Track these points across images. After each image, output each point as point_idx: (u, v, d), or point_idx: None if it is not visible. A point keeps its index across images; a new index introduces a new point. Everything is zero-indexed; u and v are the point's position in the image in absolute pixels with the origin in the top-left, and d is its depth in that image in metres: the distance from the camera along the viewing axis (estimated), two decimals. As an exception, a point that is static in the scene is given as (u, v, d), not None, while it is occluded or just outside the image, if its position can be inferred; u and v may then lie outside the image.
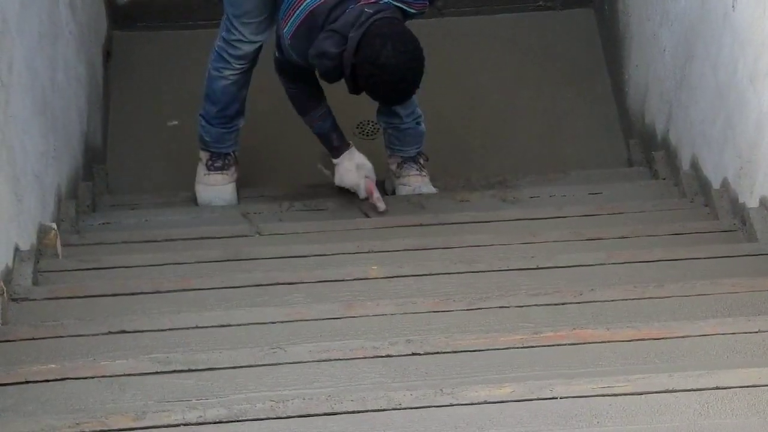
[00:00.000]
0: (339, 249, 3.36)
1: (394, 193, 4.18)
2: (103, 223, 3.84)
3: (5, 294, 2.74)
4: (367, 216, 3.90)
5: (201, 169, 4.20)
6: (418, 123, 4.12)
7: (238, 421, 2.14)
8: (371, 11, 3.36)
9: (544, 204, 3.93)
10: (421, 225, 3.69)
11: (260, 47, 3.93)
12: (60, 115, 3.83)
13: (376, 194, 3.90)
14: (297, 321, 2.75)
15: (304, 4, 3.44)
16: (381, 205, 3.88)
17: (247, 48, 3.90)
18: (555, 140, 4.78)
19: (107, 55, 5.01)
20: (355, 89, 3.49)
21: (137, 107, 4.91)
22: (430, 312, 2.82)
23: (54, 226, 3.35)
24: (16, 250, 3.04)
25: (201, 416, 2.12)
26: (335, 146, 3.90)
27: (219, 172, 4.17)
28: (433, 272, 3.11)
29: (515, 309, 2.83)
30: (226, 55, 3.93)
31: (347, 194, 4.12)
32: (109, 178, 4.51)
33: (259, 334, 2.68)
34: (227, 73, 3.97)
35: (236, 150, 4.21)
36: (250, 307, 2.89)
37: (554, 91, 4.96)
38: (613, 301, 2.86)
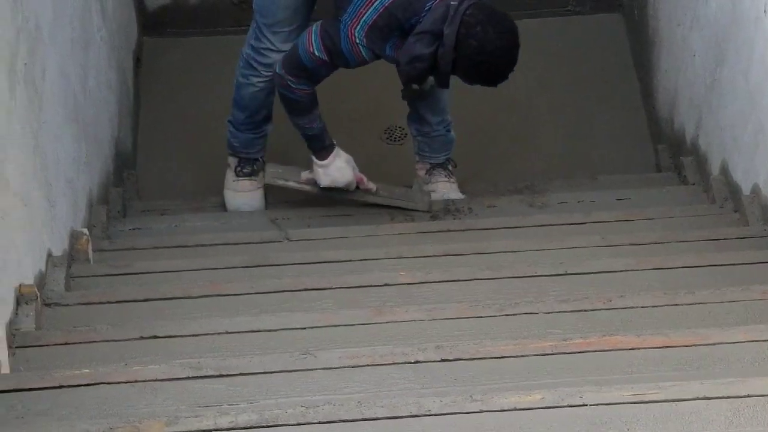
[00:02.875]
0: (367, 255, 3.37)
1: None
2: (134, 229, 3.87)
3: (39, 299, 2.77)
4: (412, 219, 3.90)
5: (230, 175, 4.22)
6: (448, 130, 4.13)
7: (269, 426, 2.15)
8: (456, 3, 3.37)
9: (573, 209, 3.92)
10: (449, 231, 3.70)
11: None
12: (91, 121, 3.86)
13: (365, 179, 3.92)
14: (326, 327, 2.77)
15: (378, 1, 3.44)
16: (372, 186, 3.92)
17: (276, 56, 3.90)
18: (583, 145, 4.78)
19: (137, 60, 5.04)
20: (446, 83, 3.49)
21: (167, 112, 4.94)
22: (459, 318, 2.82)
23: (86, 231, 3.38)
24: (49, 255, 3.06)
25: (232, 421, 2.14)
26: (327, 145, 3.87)
27: (247, 177, 4.18)
28: (461, 278, 3.11)
29: (544, 315, 2.83)
30: (254, 63, 3.95)
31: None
32: (140, 184, 4.54)
33: (288, 339, 2.70)
34: (255, 80, 3.98)
35: (264, 156, 4.23)
36: (279, 313, 2.90)
37: (582, 95, 4.95)
38: (642, 307, 2.85)
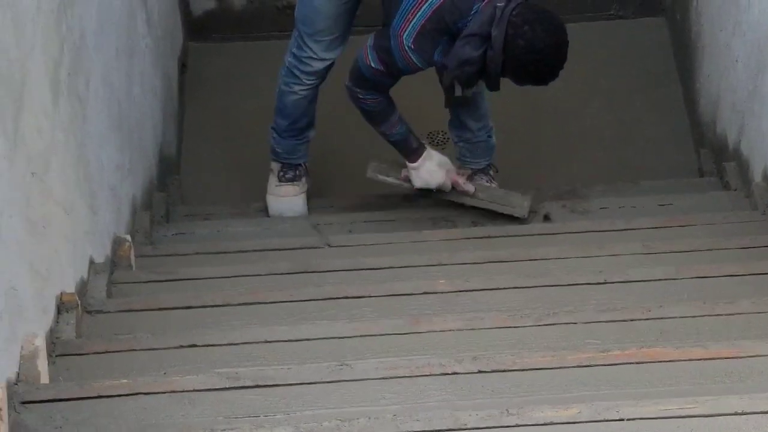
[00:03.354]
0: (407, 261, 3.38)
1: (462, 204, 4.19)
2: (177, 234, 3.90)
3: (79, 307, 2.80)
4: (453, 224, 3.92)
5: (272, 180, 4.25)
6: (489, 136, 4.13)
7: (304, 438, 2.17)
8: (502, 4, 3.37)
9: (614, 215, 3.91)
10: (489, 237, 3.70)
11: (332, 64, 3.95)
12: (135, 127, 3.90)
13: (462, 180, 3.94)
14: (364, 336, 2.77)
15: (427, 2, 3.44)
16: (470, 188, 3.93)
17: (318, 65, 3.93)
18: (625, 149, 4.76)
19: (183, 66, 5.09)
20: (496, 86, 3.48)
21: (211, 117, 4.98)
22: (497, 328, 2.82)
23: (128, 237, 3.42)
24: (91, 262, 3.10)
25: (268, 434, 2.16)
26: (414, 148, 3.92)
27: (290, 183, 4.21)
28: (500, 286, 3.11)
29: (582, 325, 2.82)
30: (296, 72, 3.97)
31: (417, 205, 4.15)
32: (183, 188, 4.58)
33: (326, 348, 2.71)
34: (297, 88, 4.00)
35: (307, 161, 4.25)
36: (318, 321, 2.92)
37: (625, 99, 4.94)
38: (682, 317, 2.84)
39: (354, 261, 3.41)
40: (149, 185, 4.08)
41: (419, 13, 3.44)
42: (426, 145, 3.96)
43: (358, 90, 3.73)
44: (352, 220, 4.00)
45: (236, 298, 3.05)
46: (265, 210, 4.26)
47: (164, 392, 2.39)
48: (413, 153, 3.92)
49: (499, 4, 3.37)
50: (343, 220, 4.01)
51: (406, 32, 3.48)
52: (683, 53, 4.88)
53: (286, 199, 4.22)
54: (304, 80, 3.98)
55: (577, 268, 3.28)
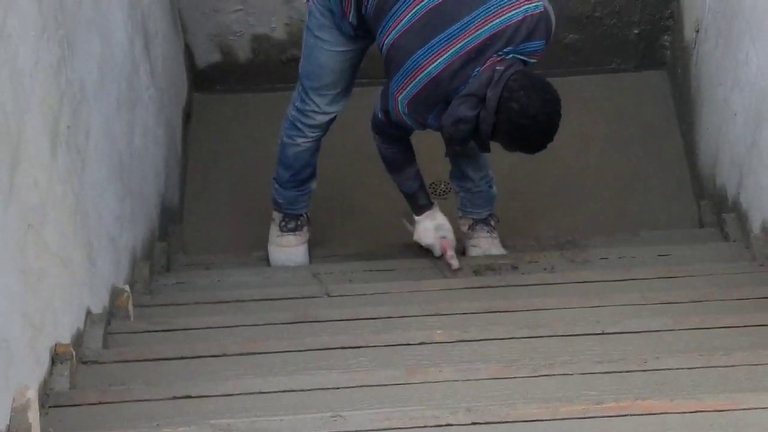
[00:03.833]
0: (406, 312, 3.38)
1: (464, 253, 4.20)
2: (177, 283, 3.91)
3: (74, 358, 2.80)
4: (444, 276, 3.93)
5: (274, 230, 4.26)
6: (490, 186, 4.15)
7: (295, 491, 2.16)
8: (502, 68, 3.37)
9: (613, 265, 3.92)
10: (489, 287, 3.70)
11: (335, 117, 3.98)
12: (137, 178, 3.92)
13: (450, 252, 3.96)
14: (360, 386, 2.77)
15: (425, 71, 3.42)
16: (454, 263, 3.94)
17: (322, 118, 3.96)
18: (626, 200, 4.77)
19: (187, 117, 5.12)
20: (486, 147, 3.49)
21: (215, 168, 5.01)
22: (493, 378, 2.82)
23: (127, 288, 3.42)
24: (88, 313, 3.10)
25: (259, 485, 2.15)
26: (420, 205, 3.98)
27: (291, 233, 4.23)
28: (497, 337, 3.11)
29: (579, 376, 2.82)
30: (299, 124, 3.99)
31: (418, 254, 4.16)
32: (185, 238, 4.60)
33: (321, 399, 2.70)
34: (300, 140, 4.03)
35: (308, 211, 4.27)
36: (314, 371, 2.91)
37: (626, 151, 4.96)
38: (678, 369, 2.83)
39: (352, 311, 3.42)
40: (150, 235, 4.10)
41: (415, 82, 3.45)
42: (434, 206, 4.00)
43: (376, 136, 3.79)
44: (353, 270, 4.01)
45: (232, 348, 3.05)
46: (266, 259, 4.27)
47: (156, 444, 2.39)
48: (418, 208, 3.99)
49: (498, 68, 3.39)
50: (343, 269, 4.02)
51: (401, 96, 3.50)
52: (684, 106, 4.90)
53: (288, 249, 4.23)
54: (307, 133, 4.01)
55: (575, 318, 3.28)
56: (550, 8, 3.48)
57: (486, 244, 4.16)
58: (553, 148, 4.85)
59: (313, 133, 4.01)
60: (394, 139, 3.76)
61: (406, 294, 3.68)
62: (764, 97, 3.75)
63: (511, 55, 3.40)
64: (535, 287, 3.70)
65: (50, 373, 2.70)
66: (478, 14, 3.41)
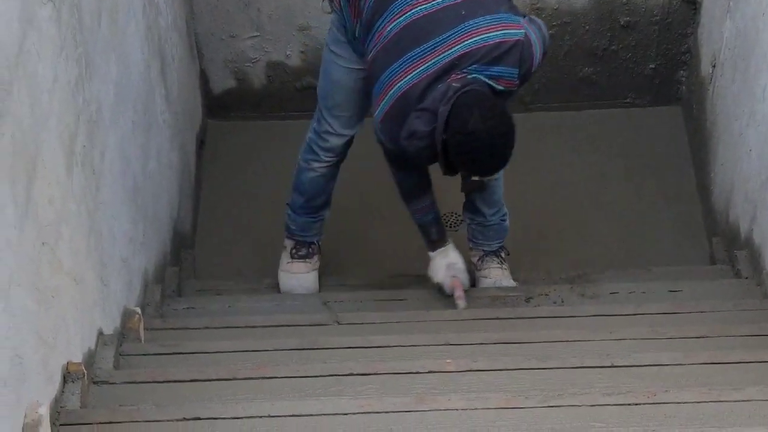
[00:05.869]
0: (415, 341, 3.39)
1: (474, 285, 4.20)
2: (188, 308, 3.92)
3: (86, 377, 2.81)
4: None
5: (284, 257, 4.28)
6: (503, 220, 4.15)
7: None
8: (458, 85, 3.37)
9: (623, 300, 3.91)
10: (498, 318, 3.70)
11: (350, 141, 4.00)
12: (150, 201, 3.94)
13: (458, 293, 3.92)
14: (368, 413, 2.77)
15: (396, 87, 3.45)
16: (461, 304, 3.90)
17: (336, 141, 3.97)
18: (638, 235, 4.78)
19: (201, 143, 5.15)
20: (448, 168, 3.47)
21: (228, 194, 5.03)
22: (501, 408, 2.82)
23: (138, 310, 3.43)
24: (100, 333, 3.12)
25: (265, 508, 2.15)
26: (432, 240, 3.95)
27: (302, 260, 4.24)
28: (507, 367, 3.11)
29: (587, 408, 2.82)
30: (315, 147, 4.01)
31: (428, 285, 4.17)
32: (197, 263, 4.61)
33: (329, 425, 2.71)
34: (315, 165, 4.05)
35: (320, 239, 4.28)
36: (323, 397, 2.91)
37: (639, 186, 4.97)
38: (687, 403, 2.83)
39: (362, 339, 3.42)
40: (162, 258, 4.11)
41: (387, 97, 3.46)
42: (448, 243, 3.96)
43: (390, 165, 3.76)
44: (363, 299, 4.02)
45: (242, 372, 3.05)
46: (276, 286, 4.28)
47: (165, 464, 2.40)
48: (431, 243, 3.96)
49: (454, 85, 3.38)
50: (353, 297, 4.03)
51: (376, 112, 3.50)
52: (698, 142, 4.91)
53: (298, 275, 4.24)
54: (322, 156, 4.02)
55: (584, 351, 3.28)
56: (535, 40, 3.45)
57: (497, 275, 4.17)
58: (567, 182, 4.92)
59: (328, 156, 4.02)
60: (405, 165, 3.74)
61: (416, 323, 3.69)
62: (779, 134, 3.76)
63: (473, 75, 3.40)
64: (545, 320, 3.70)
65: (62, 391, 2.71)
66: (454, 33, 3.42)
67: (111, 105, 3.38)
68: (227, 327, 3.63)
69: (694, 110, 4.99)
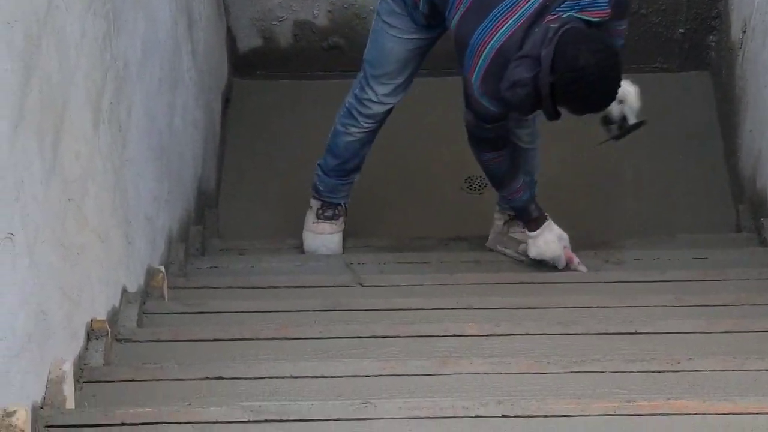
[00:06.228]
0: (438, 304, 3.38)
1: (497, 248, 4.19)
2: (211, 267, 3.93)
3: (110, 335, 2.82)
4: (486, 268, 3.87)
5: (310, 217, 4.27)
6: (531, 187, 4.13)
7: (322, 475, 2.16)
8: (556, 26, 3.33)
9: (648, 267, 3.89)
10: (521, 283, 3.70)
11: (391, 110, 3.98)
12: (175, 159, 3.93)
13: (576, 260, 3.90)
14: (390, 375, 2.77)
15: (489, 45, 3.41)
16: (583, 268, 3.89)
17: (378, 108, 3.95)
18: (663, 202, 4.75)
19: (226, 101, 5.13)
20: (554, 113, 3.42)
21: (252, 154, 5.02)
22: (524, 373, 2.81)
23: (162, 269, 3.44)
24: (124, 291, 3.12)
25: (287, 469, 2.15)
26: (534, 218, 3.90)
27: (328, 221, 4.23)
28: (529, 332, 3.10)
29: (610, 375, 2.80)
30: (355, 113, 3.99)
31: (451, 248, 4.16)
32: (220, 222, 4.61)
33: (351, 386, 2.71)
34: (353, 130, 4.03)
35: (347, 202, 4.27)
36: (345, 359, 2.91)
37: (665, 152, 4.93)
38: (711, 371, 2.81)
39: (385, 301, 3.42)
40: (186, 217, 4.11)
41: (482, 58, 3.42)
42: (547, 216, 3.93)
43: (475, 150, 3.74)
44: (386, 261, 4.01)
45: (265, 332, 3.05)
46: (299, 247, 4.28)
47: (187, 423, 2.39)
48: (532, 222, 3.90)
49: (552, 26, 3.35)
50: (377, 260, 4.02)
51: (474, 76, 3.47)
52: (726, 108, 4.87)
53: (323, 236, 4.24)
54: (361, 123, 4.00)
55: (608, 317, 3.26)
56: None
57: (521, 240, 4.15)
58: (591, 147, 4.87)
59: (367, 123, 4.00)
60: (492, 144, 3.71)
61: (439, 287, 3.68)
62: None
63: (568, 14, 3.37)
64: (569, 285, 3.69)
65: (85, 348, 2.72)
66: None
67: (138, 61, 3.37)
68: (250, 287, 3.63)
69: (723, 76, 4.94)
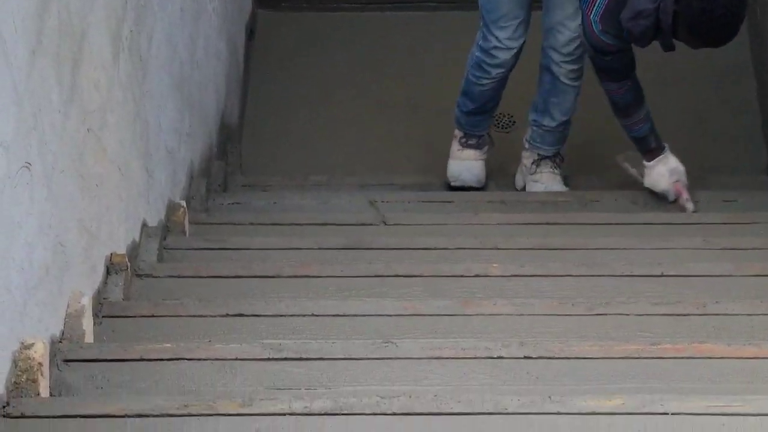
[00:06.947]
0: (462, 244, 3.34)
1: (524, 188, 4.15)
2: (233, 203, 3.90)
3: (129, 269, 2.79)
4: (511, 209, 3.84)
5: (455, 145, 4.27)
6: (565, 127, 4.07)
7: (342, 414, 2.13)
8: None
9: (676, 208, 3.84)
10: (547, 224, 3.65)
11: (518, 53, 3.94)
12: (197, 91, 3.88)
13: (685, 195, 3.88)
14: (412, 315, 2.74)
15: None
16: (690, 206, 3.86)
17: (504, 55, 3.92)
18: (694, 143, 4.68)
19: (250, 33, 5.07)
20: (670, 44, 3.43)
21: (276, 88, 4.96)
22: (547, 315, 2.78)
23: (183, 203, 3.40)
24: (144, 225, 3.09)
25: (307, 407, 2.12)
26: (651, 149, 3.90)
27: (472, 148, 4.21)
28: (554, 273, 3.06)
29: (635, 317, 2.77)
30: (484, 65, 3.98)
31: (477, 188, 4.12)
32: (243, 158, 4.57)
33: (373, 325, 2.68)
34: (485, 81, 4.03)
35: (489, 130, 4.26)
36: (366, 298, 2.89)
37: (697, 92, 4.87)
38: (737, 315, 2.77)
39: (408, 240, 3.38)
40: (208, 152, 4.07)
41: None
42: (666, 149, 3.92)
43: (607, 84, 3.75)
44: (410, 200, 3.98)
45: (286, 270, 3.03)
46: (323, 184, 4.24)
47: (207, 359, 2.37)
48: (649, 153, 3.91)
49: None
50: (400, 198, 3.99)
51: (592, 14, 3.48)
52: (760, 47, 4.78)
53: (467, 162, 4.23)
54: (492, 73, 3.99)
55: (634, 259, 3.22)
56: None
57: (548, 180, 4.12)
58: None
59: (498, 71, 3.99)
60: (615, 74, 3.71)
61: (463, 226, 3.64)
62: None
63: None
64: (595, 226, 3.65)
65: (105, 282, 2.70)
66: None
67: (159, -11, 3.31)
68: (272, 224, 3.60)
69: (758, 14, 4.84)
